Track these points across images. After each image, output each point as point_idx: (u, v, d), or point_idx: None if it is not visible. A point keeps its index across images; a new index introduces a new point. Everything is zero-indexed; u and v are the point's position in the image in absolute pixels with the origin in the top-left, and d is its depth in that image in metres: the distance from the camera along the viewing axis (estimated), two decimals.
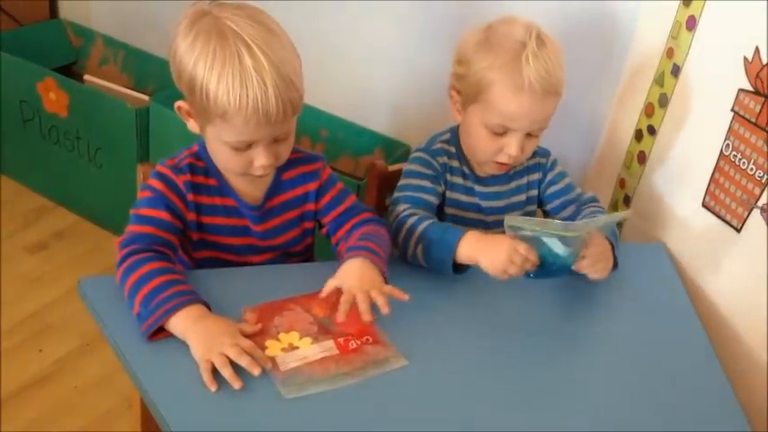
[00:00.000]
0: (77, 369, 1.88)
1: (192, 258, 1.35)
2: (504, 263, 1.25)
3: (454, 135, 1.50)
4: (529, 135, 1.39)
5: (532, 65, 1.32)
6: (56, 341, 1.94)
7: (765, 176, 1.37)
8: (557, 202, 1.52)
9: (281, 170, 1.34)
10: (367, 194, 1.63)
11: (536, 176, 1.53)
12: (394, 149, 2.11)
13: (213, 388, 1.05)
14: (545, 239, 1.25)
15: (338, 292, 1.20)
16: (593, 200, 1.52)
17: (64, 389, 1.84)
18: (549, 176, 1.53)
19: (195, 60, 1.17)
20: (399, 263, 1.36)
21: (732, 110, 1.42)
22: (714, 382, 1.27)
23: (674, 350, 1.31)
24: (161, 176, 1.27)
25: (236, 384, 1.06)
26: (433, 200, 1.43)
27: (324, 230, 1.40)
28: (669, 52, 1.56)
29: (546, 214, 1.54)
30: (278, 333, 1.17)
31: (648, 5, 1.63)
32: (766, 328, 1.38)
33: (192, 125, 1.27)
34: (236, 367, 1.08)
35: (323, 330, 1.18)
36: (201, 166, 1.30)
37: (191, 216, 1.29)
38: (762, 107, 1.36)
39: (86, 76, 2.33)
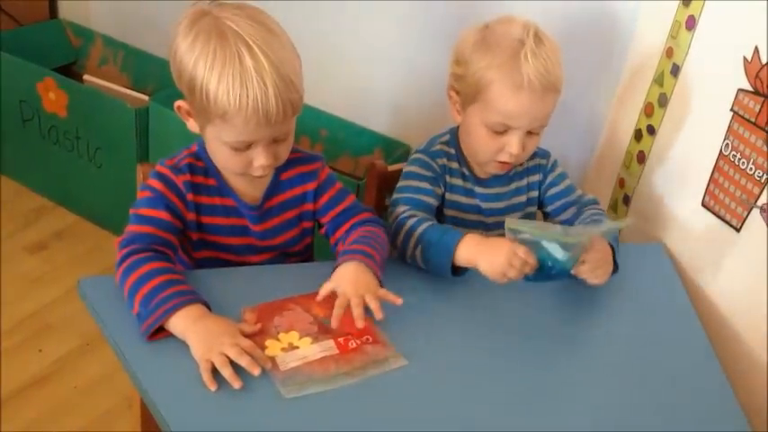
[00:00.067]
0: (77, 369, 1.89)
1: (192, 258, 1.35)
2: (504, 266, 1.25)
3: (454, 136, 1.50)
4: (529, 133, 1.39)
5: (531, 62, 1.32)
6: (56, 341, 1.94)
7: (765, 176, 1.37)
8: (557, 204, 1.52)
9: (280, 170, 1.34)
10: (366, 194, 1.63)
11: (536, 178, 1.52)
12: (394, 149, 2.11)
13: (213, 388, 1.05)
14: (545, 244, 1.25)
15: (335, 294, 1.20)
16: (594, 202, 1.51)
17: (64, 389, 1.84)
18: (550, 178, 1.52)
19: (195, 60, 1.17)
20: (399, 263, 1.36)
21: (731, 110, 1.42)
22: (714, 382, 1.27)
23: (673, 350, 1.31)
24: (161, 176, 1.27)
25: (236, 384, 1.06)
26: (433, 202, 1.43)
27: (323, 230, 1.40)
28: (669, 52, 1.56)
29: (546, 216, 1.54)
30: (278, 333, 1.17)
31: (648, 5, 1.63)
32: (766, 328, 1.38)
33: (192, 125, 1.27)
34: (236, 367, 1.08)
35: (323, 330, 1.18)
36: (201, 165, 1.30)
37: (190, 216, 1.29)
38: (761, 107, 1.36)
39: (86, 76, 2.33)
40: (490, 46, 1.36)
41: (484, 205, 1.50)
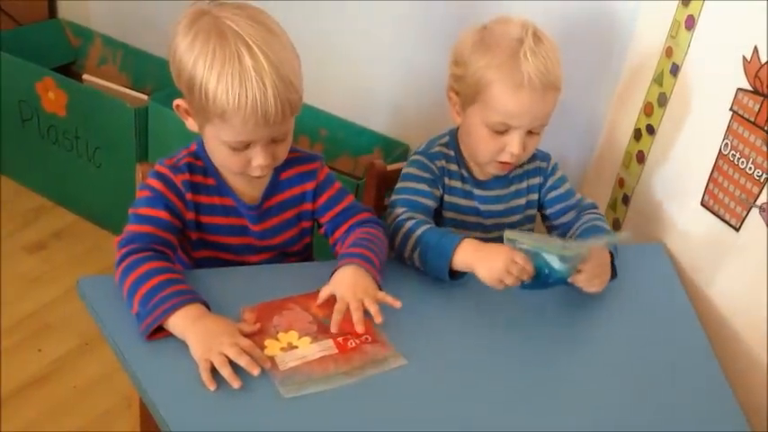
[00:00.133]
0: (76, 369, 1.89)
1: (191, 258, 1.35)
2: (501, 272, 1.25)
3: (453, 138, 1.49)
4: (530, 133, 1.39)
5: (531, 61, 1.32)
6: (55, 341, 1.94)
7: (764, 176, 1.37)
8: (557, 207, 1.51)
9: (279, 170, 1.33)
10: (366, 194, 1.62)
11: (536, 180, 1.52)
12: (393, 149, 2.11)
13: (212, 387, 1.05)
14: (544, 254, 1.25)
15: (334, 296, 1.20)
16: (593, 206, 1.51)
17: (63, 388, 1.84)
18: (550, 181, 1.52)
19: (195, 59, 1.17)
20: (398, 263, 1.36)
21: (731, 109, 1.42)
22: (713, 381, 1.27)
23: (673, 350, 1.31)
24: (160, 176, 1.27)
25: (236, 384, 1.06)
26: (431, 203, 1.43)
27: (322, 230, 1.40)
28: (668, 51, 1.56)
29: (545, 218, 1.54)
30: (277, 332, 1.17)
31: (648, 5, 1.63)
32: (765, 327, 1.38)
33: (191, 124, 1.27)
34: (235, 367, 1.07)
35: (322, 330, 1.18)
36: (200, 165, 1.30)
37: (189, 215, 1.29)
38: (760, 106, 1.36)
39: (85, 76, 2.33)
40: (489, 46, 1.36)
41: (483, 207, 1.49)
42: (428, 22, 1.99)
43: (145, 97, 2.16)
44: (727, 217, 1.45)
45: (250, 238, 1.35)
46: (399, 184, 1.44)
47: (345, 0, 2.09)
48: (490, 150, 1.40)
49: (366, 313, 1.18)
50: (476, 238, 1.33)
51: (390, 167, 1.59)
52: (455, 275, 1.31)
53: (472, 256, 1.29)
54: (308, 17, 2.10)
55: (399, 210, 1.39)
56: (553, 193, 1.52)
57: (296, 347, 1.15)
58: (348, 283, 1.20)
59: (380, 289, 1.23)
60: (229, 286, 1.24)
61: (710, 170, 1.48)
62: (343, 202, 1.38)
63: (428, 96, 2.02)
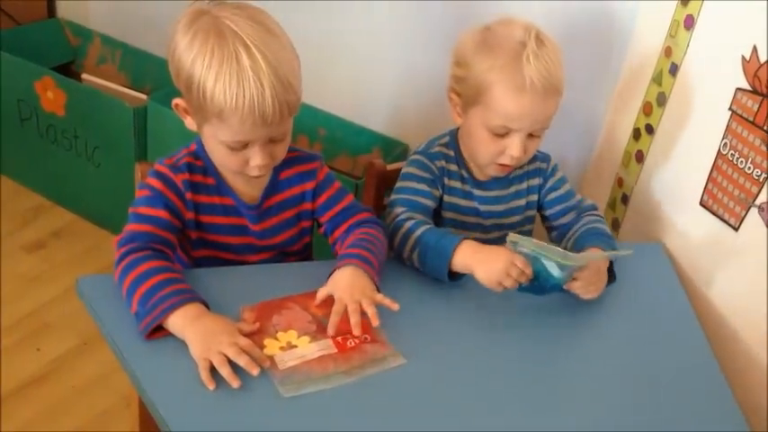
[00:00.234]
0: (75, 368, 1.88)
1: (191, 257, 1.35)
2: (501, 275, 1.25)
3: (453, 138, 1.49)
4: (531, 135, 1.38)
5: (533, 64, 1.31)
6: (54, 340, 1.94)
7: (763, 175, 1.37)
8: (556, 208, 1.51)
9: (278, 169, 1.33)
10: (365, 194, 1.62)
11: (536, 181, 1.51)
12: (392, 148, 2.11)
13: (211, 387, 1.05)
14: (543, 261, 1.25)
15: (332, 297, 1.20)
16: (593, 207, 1.51)
17: (62, 388, 1.83)
18: (550, 182, 1.51)
19: (193, 59, 1.17)
20: (397, 262, 1.36)
21: (730, 109, 1.42)
22: (713, 382, 1.27)
23: (672, 350, 1.31)
24: (159, 175, 1.27)
25: (235, 383, 1.06)
26: (430, 204, 1.43)
27: (322, 230, 1.40)
28: (667, 51, 1.56)
29: (545, 219, 1.54)
30: (276, 332, 1.17)
31: (647, 5, 1.63)
32: (765, 327, 1.38)
33: (190, 123, 1.27)
34: (234, 366, 1.08)
35: (321, 329, 1.18)
36: (200, 165, 1.30)
37: (189, 215, 1.29)
38: (759, 106, 1.36)
39: (84, 75, 2.33)
40: (492, 48, 1.35)
41: (482, 208, 1.49)
42: (427, 21, 1.99)
43: (144, 97, 2.16)
44: (726, 216, 1.45)
45: (250, 237, 1.35)
46: (399, 184, 1.44)
47: (345, 0, 2.09)
48: (490, 152, 1.40)
49: (363, 315, 1.18)
50: (475, 238, 1.33)
51: (390, 167, 1.59)
52: (454, 276, 1.31)
53: (471, 257, 1.29)
54: (307, 17, 2.10)
55: (399, 209, 1.39)
56: (553, 195, 1.51)
57: (295, 347, 1.15)
58: (346, 285, 1.20)
59: (378, 290, 1.23)
60: (228, 286, 1.24)
61: (709, 170, 1.48)
62: (343, 202, 1.38)
63: (427, 96, 2.02)
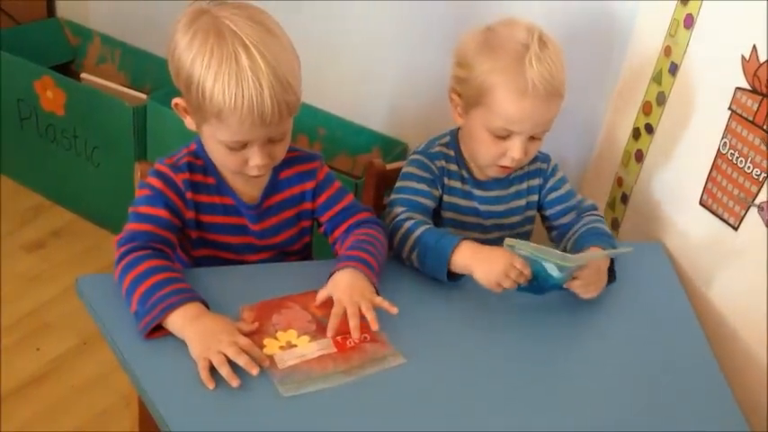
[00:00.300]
0: (75, 368, 1.88)
1: (191, 257, 1.35)
2: (499, 276, 1.25)
3: (454, 138, 1.49)
4: (532, 138, 1.38)
5: (536, 67, 1.30)
6: (54, 340, 1.94)
7: (763, 175, 1.37)
8: (557, 209, 1.51)
9: (278, 169, 1.33)
10: (365, 193, 1.62)
11: (536, 182, 1.51)
12: (392, 148, 2.11)
13: (211, 386, 1.05)
14: (542, 262, 1.25)
15: (331, 299, 1.20)
16: (593, 208, 1.51)
17: (62, 387, 1.83)
18: (551, 182, 1.51)
19: (193, 58, 1.17)
20: (397, 262, 1.36)
21: (729, 108, 1.42)
22: (712, 381, 1.27)
23: (672, 349, 1.31)
24: (160, 174, 1.27)
25: (234, 383, 1.06)
26: (430, 203, 1.43)
27: (322, 229, 1.40)
28: (667, 50, 1.56)
29: (545, 219, 1.53)
30: (276, 331, 1.17)
31: (647, 4, 1.63)
32: (765, 326, 1.38)
33: (190, 122, 1.27)
34: (234, 366, 1.08)
35: (321, 328, 1.18)
36: (200, 164, 1.30)
37: (189, 214, 1.29)
38: (759, 105, 1.36)
39: (84, 75, 2.33)
40: (494, 49, 1.34)
41: (482, 208, 1.49)
42: (427, 21, 1.99)
43: (143, 96, 2.16)
44: (725, 216, 1.46)
45: (250, 237, 1.35)
46: (399, 184, 1.44)
47: (345, 0, 2.09)
48: (491, 154, 1.40)
49: (362, 318, 1.17)
50: (475, 238, 1.33)
51: (389, 166, 1.59)
52: (453, 277, 1.31)
53: (470, 258, 1.29)
54: (307, 17, 2.10)
55: (398, 209, 1.39)
56: (553, 195, 1.51)
57: (295, 346, 1.15)
58: (345, 287, 1.20)
59: (378, 293, 1.22)
60: (228, 285, 1.24)
61: (709, 169, 1.48)
62: (343, 202, 1.38)
63: (427, 95, 2.02)
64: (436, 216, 1.46)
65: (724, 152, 1.44)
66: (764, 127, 1.36)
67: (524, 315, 1.31)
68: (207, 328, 1.11)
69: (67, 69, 2.54)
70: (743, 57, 1.38)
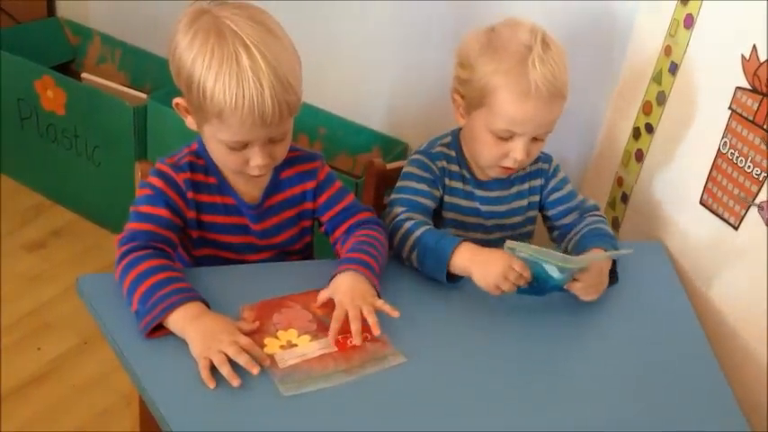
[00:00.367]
0: (76, 367, 1.88)
1: (192, 256, 1.35)
2: (498, 279, 1.25)
3: (455, 139, 1.48)
4: (534, 139, 1.38)
5: (539, 69, 1.30)
6: (54, 339, 1.94)
7: (763, 174, 1.37)
8: (559, 209, 1.50)
9: (279, 169, 1.33)
10: (365, 193, 1.62)
11: (538, 182, 1.51)
12: (392, 147, 2.11)
13: (211, 385, 1.05)
14: (543, 264, 1.25)
15: (332, 299, 1.21)
16: (595, 208, 1.50)
17: (62, 387, 1.83)
18: (552, 183, 1.51)
19: (193, 58, 1.17)
20: (397, 262, 1.36)
21: (730, 108, 1.42)
22: (713, 380, 1.27)
23: (672, 349, 1.31)
24: (161, 174, 1.27)
25: (235, 382, 1.06)
26: (430, 204, 1.43)
27: (322, 229, 1.40)
28: (667, 50, 1.56)
29: (547, 220, 1.53)
30: (276, 330, 1.17)
31: (647, 4, 1.63)
32: (765, 326, 1.38)
33: (190, 122, 1.27)
34: (234, 365, 1.08)
35: (321, 328, 1.18)
36: (201, 164, 1.30)
37: (191, 214, 1.29)
38: (759, 105, 1.36)
39: (84, 75, 2.33)
40: (497, 50, 1.34)
41: (484, 208, 1.49)
42: (427, 21, 1.99)
43: (144, 96, 2.16)
44: (726, 216, 1.46)
45: (251, 237, 1.35)
46: (399, 183, 1.44)
47: (344, 0, 2.09)
48: (493, 155, 1.40)
49: (363, 321, 1.17)
50: (476, 239, 1.33)
51: (389, 166, 1.59)
52: (452, 278, 1.31)
53: (470, 260, 1.29)
54: (308, 17, 2.10)
55: (398, 209, 1.39)
56: (555, 195, 1.51)
57: (295, 345, 1.15)
58: (346, 289, 1.20)
59: (379, 296, 1.22)
60: (229, 284, 1.24)
61: (709, 169, 1.48)
62: (344, 201, 1.38)
63: (427, 95, 2.02)
64: (437, 216, 1.46)
65: (724, 152, 1.44)
66: (765, 126, 1.36)
67: (524, 314, 1.31)
68: (207, 328, 1.11)
69: (68, 69, 2.54)
70: (743, 56, 1.38)
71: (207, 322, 1.12)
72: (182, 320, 1.11)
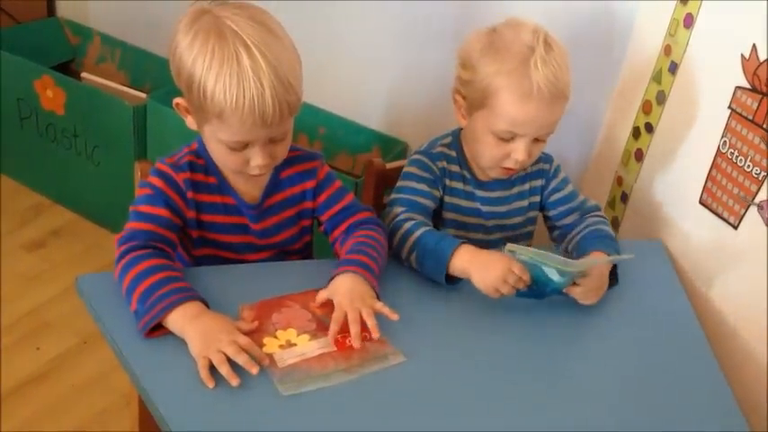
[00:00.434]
0: (75, 367, 1.88)
1: (191, 256, 1.35)
2: (498, 281, 1.25)
3: (456, 139, 1.48)
4: (536, 140, 1.37)
5: (541, 70, 1.29)
6: (54, 339, 1.94)
7: (763, 173, 1.37)
8: (560, 209, 1.50)
9: (279, 168, 1.33)
10: (364, 192, 1.62)
11: (539, 183, 1.51)
12: (391, 147, 2.11)
13: (211, 385, 1.05)
14: (543, 267, 1.25)
15: (331, 300, 1.21)
16: (597, 208, 1.50)
17: (62, 387, 1.83)
18: (553, 183, 1.51)
19: (194, 58, 1.17)
20: (397, 262, 1.35)
21: (729, 107, 1.42)
22: (713, 381, 1.27)
23: (672, 349, 1.31)
24: (161, 174, 1.27)
25: (234, 382, 1.06)
26: (429, 204, 1.42)
27: (322, 228, 1.40)
28: (667, 50, 1.56)
29: (548, 220, 1.53)
30: (275, 330, 1.17)
31: (647, 4, 1.63)
32: (765, 325, 1.38)
33: (191, 122, 1.27)
34: (234, 364, 1.08)
35: (321, 327, 1.18)
36: (201, 163, 1.30)
37: (190, 214, 1.29)
38: (759, 104, 1.36)
39: (84, 74, 2.33)
40: (499, 51, 1.34)
41: (484, 209, 1.49)
42: (427, 21, 1.99)
43: (143, 95, 2.16)
44: (725, 215, 1.46)
45: (251, 236, 1.35)
46: (399, 183, 1.44)
47: (345, 0, 2.09)
48: (495, 156, 1.39)
49: (363, 323, 1.17)
50: (477, 239, 1.33)
51: (389, 166, 1.59)
52: (452, 280, 1.31)
53: (469, 262, 1.28)
54: (308, 17, 2.10)
55: (398, 209, 1.39)
56: (556, 196, 1.51)
57: (295, 345, 1.15)
58: (345, 291, 1.20)
59: (378, 297, 1.22)
60: (228, 284, 1.24)
61: (709, 168, 1.48)
62: (343, 201, 1.38)
63: (426, 95, 2.02)
64: (437, 217, 1.46)
65: (724, 151, 1.44)
66: (764, 126, 1.36)
67: (524, 315, 1.31)
68: (207, 327, 1.11)
69: (67, 69, 2.54)
70: (743, 56, 1.38)
71: (206, 322, 1.11)
72: (181, 320, 1.11)
